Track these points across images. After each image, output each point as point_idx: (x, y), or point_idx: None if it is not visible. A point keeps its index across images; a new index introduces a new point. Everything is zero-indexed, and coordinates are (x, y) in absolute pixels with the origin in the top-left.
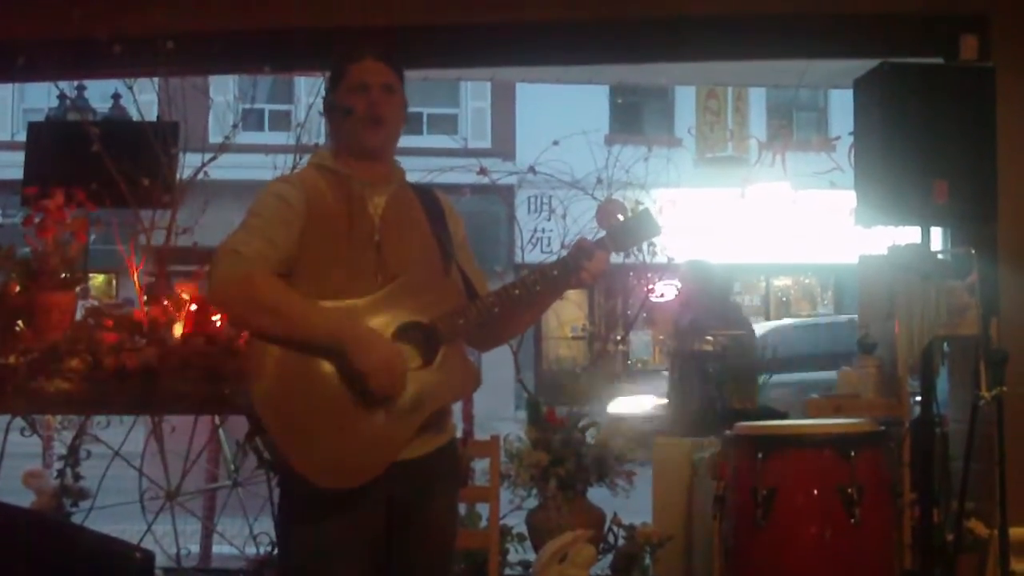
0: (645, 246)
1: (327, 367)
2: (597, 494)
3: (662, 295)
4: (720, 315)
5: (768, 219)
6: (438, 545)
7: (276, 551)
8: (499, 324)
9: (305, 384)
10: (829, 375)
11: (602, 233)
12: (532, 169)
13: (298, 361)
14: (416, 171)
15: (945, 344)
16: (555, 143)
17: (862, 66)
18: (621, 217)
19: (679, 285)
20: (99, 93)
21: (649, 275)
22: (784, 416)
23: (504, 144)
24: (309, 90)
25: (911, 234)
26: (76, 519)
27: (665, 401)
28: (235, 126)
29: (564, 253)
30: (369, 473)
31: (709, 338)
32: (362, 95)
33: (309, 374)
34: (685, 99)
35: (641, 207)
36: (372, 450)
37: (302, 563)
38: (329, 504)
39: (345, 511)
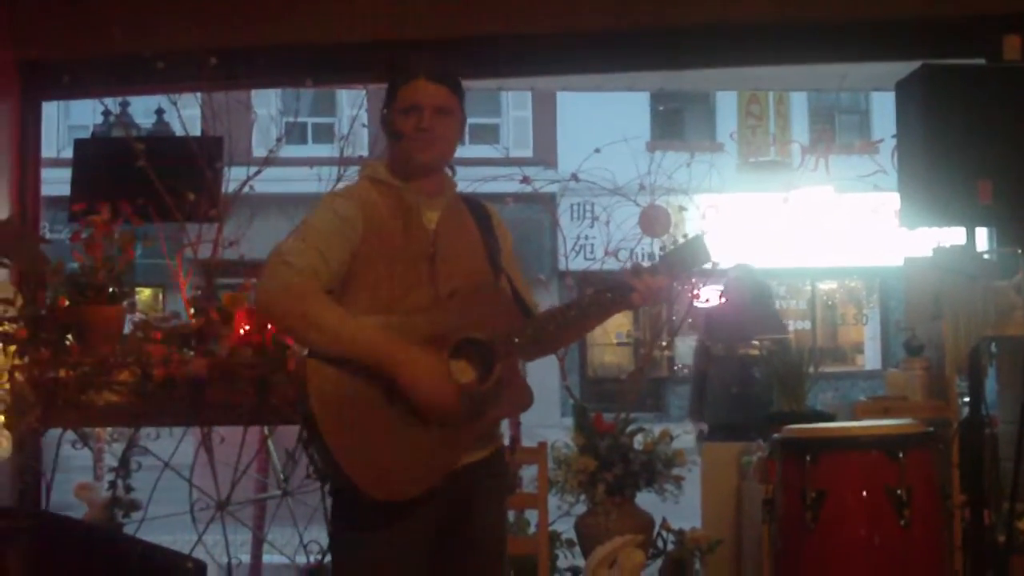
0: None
1: (384, 380)
2: (646, 499)
3: (707, 300)
4: (757, 320)
5: (812, 223)
6: (489, 553)
7: (327, 559)
8: (550, 341)
9: (363, 395)
10: None
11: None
12: (575, 177)
13: (355, 373)
14: (459, 181)
15: (993, 344)
16: (597, 151)
17: (904, 68)
18: (675, 242)
19: (721, 289)
20: (143, 109)
21: (694, 280)
22: (831, 419)
23: (546, 152)
24: (351, 102)
25: (956, 235)
26: (128, 530)
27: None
28: (279, 140)
29: (608, 260)
30: (421, 487)
31: (755, 342)
32: (413, 116)
33: (367, 385)
34: (727, 104)
35: (695, 234)
36: (425, 464)
37: (355, 571)
38: (381, 513)
39: (397, 520)
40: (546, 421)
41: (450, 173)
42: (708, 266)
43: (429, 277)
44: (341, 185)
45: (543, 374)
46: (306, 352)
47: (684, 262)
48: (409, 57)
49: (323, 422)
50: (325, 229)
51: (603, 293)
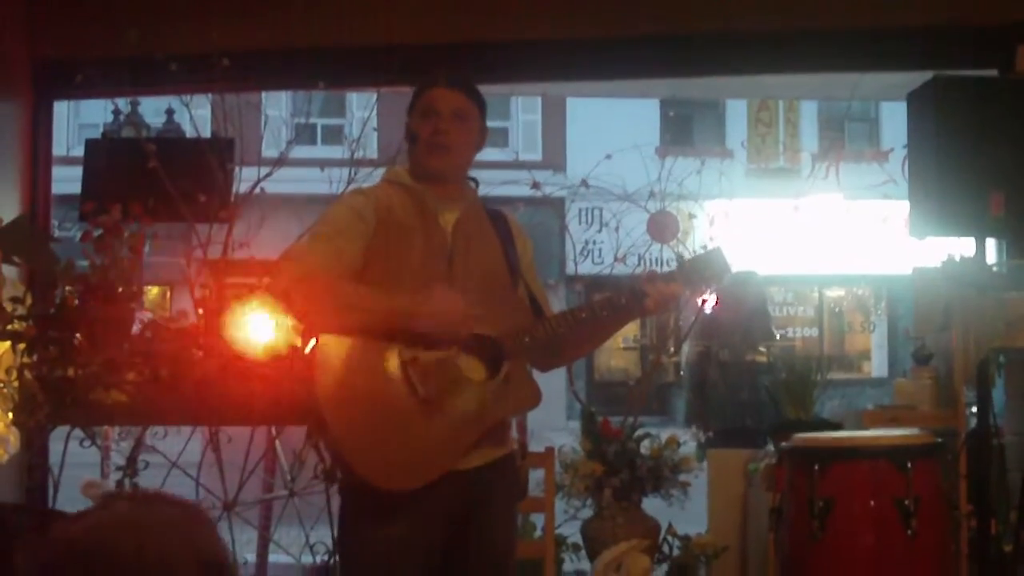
0: None
1: (392, 372)
2: (652, 504)
3: (711, 305)
4: (749, 325)
5: (821, 230)
6: (497, 557)
7: (333, 559)
8: (562, 346)
9: (369, 388)
10: None
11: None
12: (584, 182)
13: (362, 366)
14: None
15: (1001, 356)
16: (608, 156)
17: (915, 77)
18: (693, 252)
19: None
20: (153, 108)
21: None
22: (839, 427)
23: (555, 157)
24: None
25: (965, 245)
26: None
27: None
28: (290, 142)
29: (617, 266)
30: (427, 476)
31: (763, 349)
32: (429, 121)
33: (373, 379)
34: (737, 111)
35: (715, 246)
36: (432, 454)
37: (361, 568)
38: (389, 510)
39: (405, 518)
40: (553, 425)
41: (473, 184)
42: (725, 278)
43: (446, 277)
44: (353, 187)
45: (550, 377)
46: (310, 347)
47: (701, 273)
48: (432, 68)
49: (328, 411)
50: (340, 225)
51: (617, 297)
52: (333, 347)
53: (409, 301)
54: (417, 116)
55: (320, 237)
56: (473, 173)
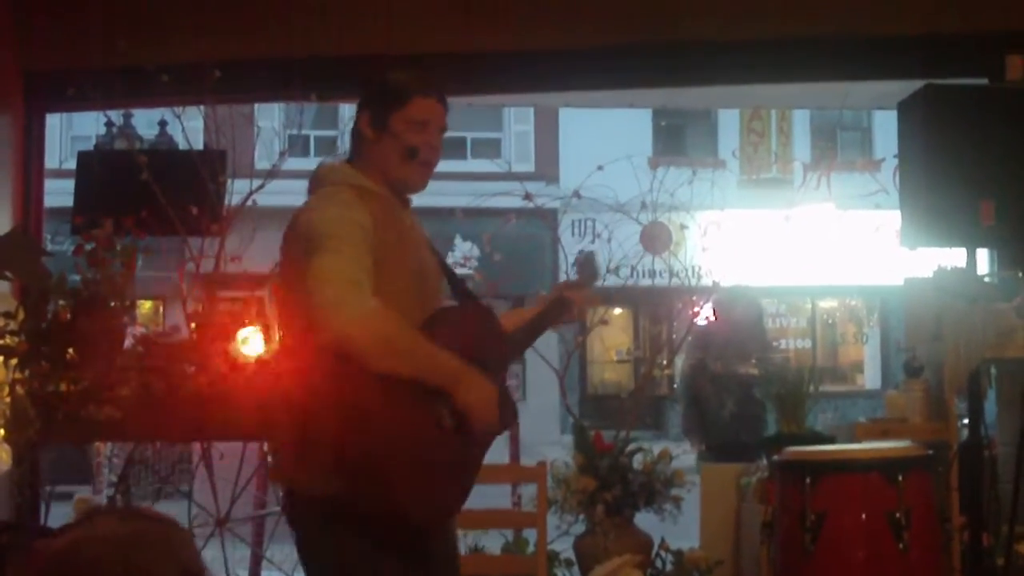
0: (690, 269)
1: (418, 404)
2: (644, 519)
3: (707, 318)
4: (745, 339)
5: (813, 240)
6: (457, 570)
7: None
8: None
9: (409, 420)
10: None
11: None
12: (576, 194)
13: (398, 397)
14: (461, 196)
15: (992, 367)
16: (600, 168)
17: (906, 87)
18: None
19: (712, 310)
20: (146, 120)
21: (694, 299)
22: (831, 440)
23: (548, 168)
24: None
25: (957, 255)
26: None
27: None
28: (282, 153)
29: (609, 277)
30: (459, 507)
31: (754, 362)
32: (420, 133)
33: (413, 410)
34: (729, 121)
35: (588, 251)
36: (461, 486)
37: None
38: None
39: (421, 545)
40: (546, 439)
41: None
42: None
43: (419, 289)
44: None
45: (544, 391)
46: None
47: (591, 274)
48: (428, 74)
49: (354, 443)
50: (358, 243)
51: (547, 311)
52: (367, 382)
53: (459, 366)
54: (402, 120)
55: (353, 259)
56: (466, 184)
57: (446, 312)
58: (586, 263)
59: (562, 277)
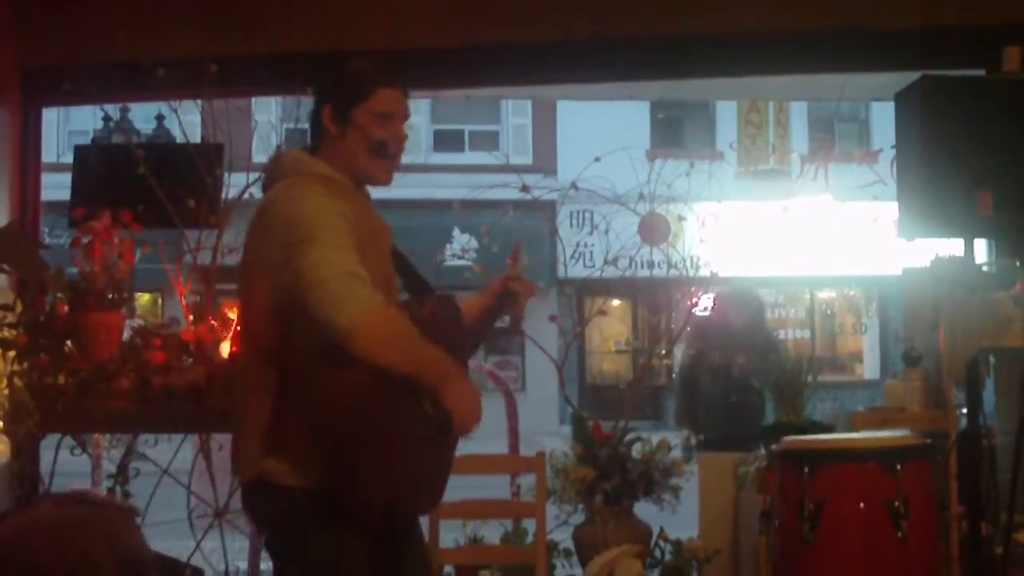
0: (688, 260)
1: (408, 396)
2: (643, 509)
3: (705, 309)
4: (742, 336)
5: (811, 232)
6: (430, 562)
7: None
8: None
9: (388, 411)
10: None
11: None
12: (574, 185)
13: (381, 391)
14: (459, 188)
15: (991, 356)
16: (597, 159)
17: (903, 79)
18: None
19: (713, 307)
20: (143, 114)
21: (692, 289)
22: (830, 430)
23: (546, 160)
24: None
25: (955, 245)
26: None
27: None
28: (279, 147)
29: (608, 268)
30: (436, 501)
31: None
32: (386, 126)
33: (393, 403)
34: (726, 113)
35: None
36: (440, 480)
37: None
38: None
39: (366, 535)
40: (545, 429)
41: None
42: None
43: (389, 281)
44: None
45: (542, 382)
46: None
47: (523, 267)
48: (387, 63)
49: (349, 434)
50: (346, 234)
51: (496, 303)
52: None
53: (451, 365)
54: (367, 113)
55: (345, 250)
56: (463, 176)
57: (410, 306)
58: (517, 254)
59: (560, 269)
